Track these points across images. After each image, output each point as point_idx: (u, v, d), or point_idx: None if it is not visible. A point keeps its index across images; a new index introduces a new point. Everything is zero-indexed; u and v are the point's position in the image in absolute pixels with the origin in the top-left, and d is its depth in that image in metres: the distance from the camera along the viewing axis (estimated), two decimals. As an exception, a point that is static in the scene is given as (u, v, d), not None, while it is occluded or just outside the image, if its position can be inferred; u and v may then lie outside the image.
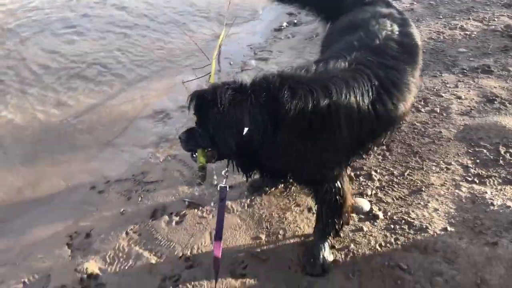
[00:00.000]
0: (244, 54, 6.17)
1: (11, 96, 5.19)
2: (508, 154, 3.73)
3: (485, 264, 2.85)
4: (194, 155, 2.76)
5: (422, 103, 4.51)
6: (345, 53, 2.83)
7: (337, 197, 2.87)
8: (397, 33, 3.06)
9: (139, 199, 3.65)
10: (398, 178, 3.63)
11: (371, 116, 2.70)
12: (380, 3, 3.52)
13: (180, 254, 3.10)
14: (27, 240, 3.39)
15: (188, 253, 3.10)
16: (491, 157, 3.74)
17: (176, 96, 5.19)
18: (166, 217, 3.44)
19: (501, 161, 3.67)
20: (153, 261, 3.06)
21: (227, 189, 2.75)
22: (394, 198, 3.45)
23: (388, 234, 3.15)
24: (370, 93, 2.67)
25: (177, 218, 3.42)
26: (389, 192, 3.51)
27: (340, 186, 2.86)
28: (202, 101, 2.51)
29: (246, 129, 2.40)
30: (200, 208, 3.49)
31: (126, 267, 3.04)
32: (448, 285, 2.75)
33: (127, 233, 3.31)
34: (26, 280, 3.02)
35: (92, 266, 3.05)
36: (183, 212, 3.47)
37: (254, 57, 6.08)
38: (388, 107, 2.77)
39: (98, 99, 5.21)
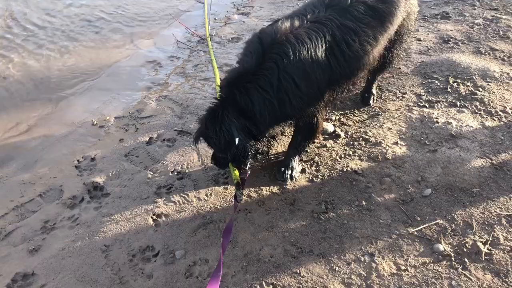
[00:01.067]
0: (227, 10, 6.67)
1: (17, 47, 5.75)
2: (455, 84, 4.29)
3: (425, 166, 3.44)
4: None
5: (385, 45, 5.04)
6: (310, 11, 3.18)
7: (313, 126, 3.45)
8: None
9: (136, 130, 4.19)
10: (359, 105, 4.19)
11: (326, 67, 3.12)
12: None
13: (172, 169, 3.66)
14: (42, 164, 3.92)
15: (179, 168, 3.67)
16: (441, 86, 4.29)
17: (166, 47, 5.72)
18: (160, 143, 4.00)
19: (449, 89, 4.23)
20: (150, 175, 3.63)
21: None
22: (355, 122, 4.01)
23: (347, 148, 3.72)
24: (323, 45, 3.06)
25: (169, 143, 3.98)
26: (351, 117, 4.07)
27: (317, 119, 3.42)
28: (202, 138, 3.15)
29: (237, 140, 2.96)
30: (189, 135, 4.04)
31: (127, 181, 3.60)
32: (394, 183, 3.34)
33: (126, 155, 3.87)
34: (43, 194, 3.57)
35: (97, 180, 3.61)
36: (174, 138, 4.02)
37: (237, 12, 6.58)
38: (340, 61, 3.16)
39: (95, 51, 5.73)
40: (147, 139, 4.05)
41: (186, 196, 3.41)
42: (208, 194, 3.42)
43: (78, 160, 3.89)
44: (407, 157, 3.55)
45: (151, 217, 3.25)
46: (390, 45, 3.73)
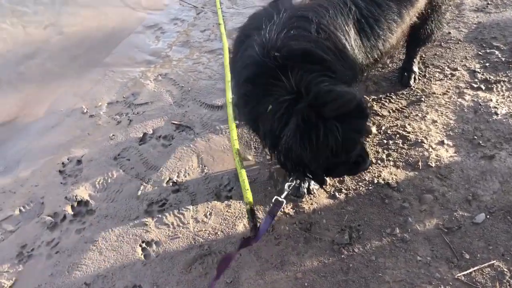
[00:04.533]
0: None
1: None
2: (522, 55, 3.38)
3: (479, 178, 2.71)
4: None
5: (432, -1, 4.06)
6: None
7: None
8: None
9: (129, 122, 3.58)
10: (397, 87, 3.39)
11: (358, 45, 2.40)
12: None
13: (167, 179, 3.08)
14: (24, 165, 3.43)
15: (175, 178, 3.08)
16: (503, 59, 3.40)
17: (169, 6, 4.91)
18: (155, 141, 3.39)
19: (513, 64, 3.34)
20: (141, 187, 3.07)
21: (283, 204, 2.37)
22: (391, 111, 3.24)
23: (380, 150, 3.00)
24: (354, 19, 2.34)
25: (165, 142, 3.36)
26: (386, 104, 3.29)
27: None
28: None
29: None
30: (189, 130, 3.41)
31: (115, 193, 3.07)
32: (438, 202, 2.65)
33: (115, 158, 3.30)
34: (22, 208, 3.11)
35: (82, 193, 3.10)
36: (172, 134, 3.40)
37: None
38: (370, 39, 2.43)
39: (85, 18, 4.97)
40: (140, 135, 3.45)
41: (181, 217, 2.85)
42: (208, 213, 2.84)
43: (63, 163, 3.36)
44: (455, 164, 2.81)
45: (140, 245, 2.74)
46: (424, 18, 2.86)
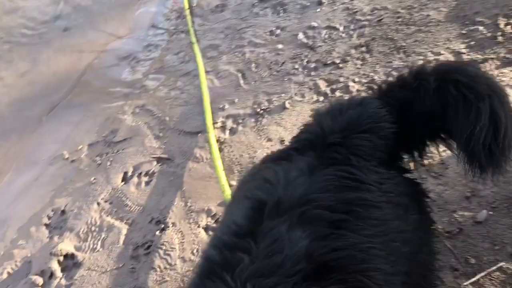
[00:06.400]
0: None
1: None
2: (508, 27, 3.12)
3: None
4: None
5: (406, -18, 3.83)
6: None
7: None
8: None
9: (109, 163, 3.46)
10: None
11: None
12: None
13: (150, 218, 2.95)
14: (10, 223, 3.36)
15: (159, 215, 2.95)
16: (488, 34, 3.15)
17: (140, 34, 4.78)
18: (136, 179, 3.25)
19: (499, 38, 3.08)
20: (125, 230, 2.94)
21: None
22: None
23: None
24: None
25: (146, 178, 3.23)
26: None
27: None
28: None
29: None
30: (170, 162, 3.27)
31: (99, 241, 2.95)
32: (435, 204, 2.44)
33: (98, 204, 3.18)
34: (10, 269, 3.01)
35: (68, 246, 2.98)
36: (152, 170, 3.26)
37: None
38: None
39: (64, 56, 4.89)
40: (121, 175, 3.32)
41: (168, 258, 2.70)
42: (195, 250, 2.69)
43: (48, 216, 3.26)
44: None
45: (128, 296, 2.60)
46: None
